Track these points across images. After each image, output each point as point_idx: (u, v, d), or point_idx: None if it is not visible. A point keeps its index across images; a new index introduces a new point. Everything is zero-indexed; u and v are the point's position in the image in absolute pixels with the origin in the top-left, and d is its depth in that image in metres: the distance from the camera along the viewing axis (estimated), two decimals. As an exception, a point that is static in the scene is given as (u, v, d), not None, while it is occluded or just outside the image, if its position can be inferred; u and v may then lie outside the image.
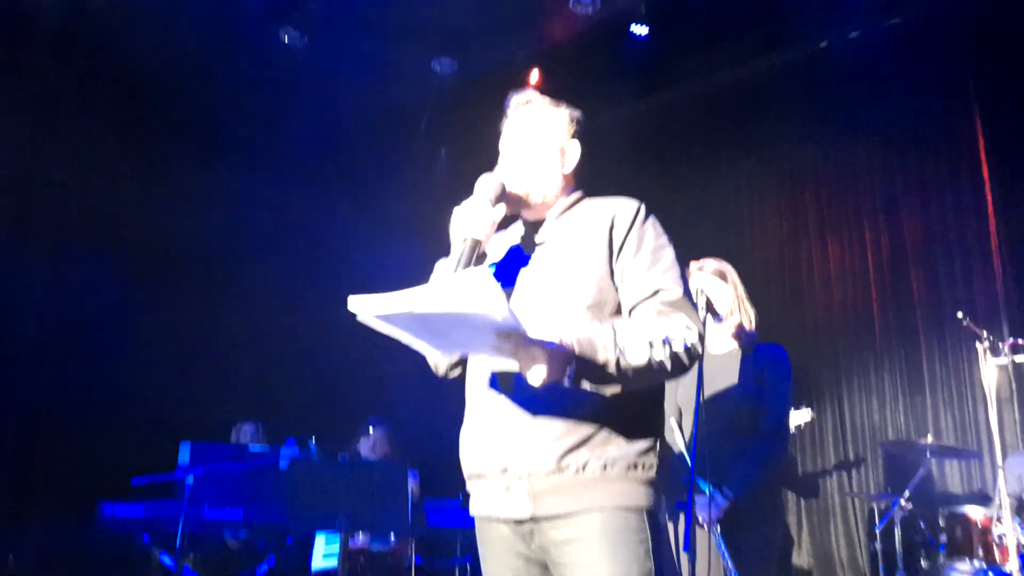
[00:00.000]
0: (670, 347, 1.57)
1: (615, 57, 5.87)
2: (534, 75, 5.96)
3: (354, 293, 1.45)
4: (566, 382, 1.51)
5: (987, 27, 5.01)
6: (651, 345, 1.55)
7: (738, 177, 6.05)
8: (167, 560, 3.83)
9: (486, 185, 1.74)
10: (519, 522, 1.64)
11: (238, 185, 5.33)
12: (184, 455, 3.90)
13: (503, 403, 1.66)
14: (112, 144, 4.96)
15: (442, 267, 1.82)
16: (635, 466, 1.61)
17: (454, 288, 1.36)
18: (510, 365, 1.55)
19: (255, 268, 5.42)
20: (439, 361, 1.88)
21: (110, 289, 4.55)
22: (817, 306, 5.48)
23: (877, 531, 4.02)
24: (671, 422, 2.98)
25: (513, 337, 1.44)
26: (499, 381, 1.69)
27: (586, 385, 1.55)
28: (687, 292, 1.69)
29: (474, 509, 1.75)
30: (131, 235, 4.91)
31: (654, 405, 1.73)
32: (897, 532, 3.89)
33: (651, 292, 1.66)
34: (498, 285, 1.38)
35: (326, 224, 5.79)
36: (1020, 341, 3.80)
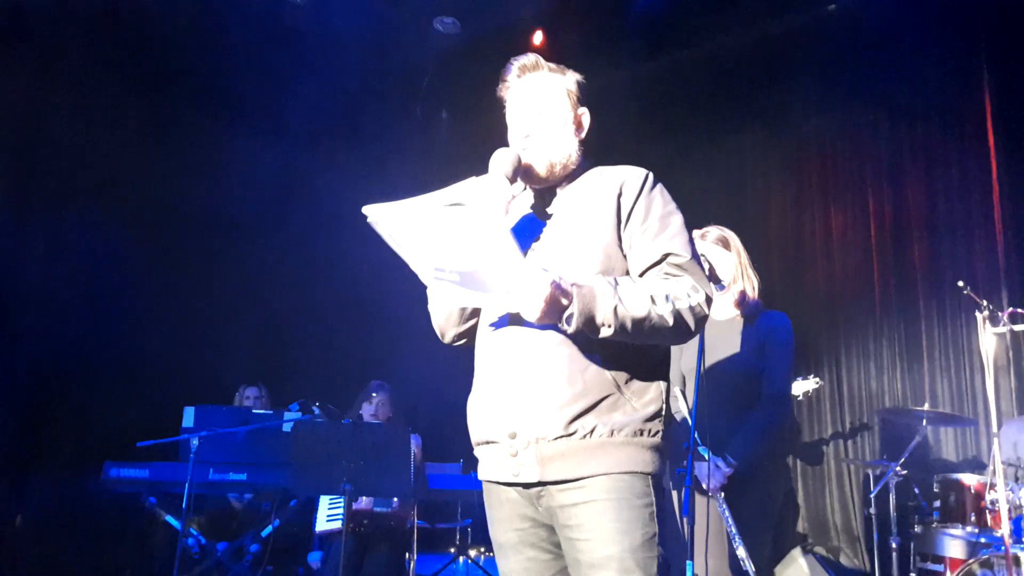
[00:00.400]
0: (673, 304, 1.59)
1: (622, 17, 5.76)
2: (538, 36, 5.86)
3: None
4: (564, 325, 1.55)
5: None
6: (652, 299, 1.58)
7: (742, 142, 5.99)
8: (173, 521, 3.89)
9: (502, 160, 1.71)
10: (527, 486, 1.67)
11: (240, 146, 5.29)
12: (188, 419, 3.93)
13: (511, 370, 1.68)
14: (115, 101, 4.89)
15: None
16: (641, 432, 1.64)
17: (458, 188, 1.49)
18: (511, 305, 1.57)
19: (258, 230, 5.40)
20: (445, 327, 1.90)
21: (114, 251, 4.54)
22: (818, 273, 5.48)
23: (872, 496, 4.08)
24: (675, 390, 3.01)
25: (511, 254, 1.47)
26: (509, 322, 1.70)
27: (586, 331, 1.56)
28: (695, 256, 1.70)
29: (482, 474, 1.78)
30: (135, 196, 4.86)
31: (661, 372, 1.75)
32: (891, 497, 3.95)
33: (659, 257, 1.67)
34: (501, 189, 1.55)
35: (328, 185, 5.75)
36: (1020, 310, 3.82)
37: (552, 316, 1.53)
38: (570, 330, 1.55)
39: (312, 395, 3.89)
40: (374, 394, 3.98)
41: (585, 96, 1.88)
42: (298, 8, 5.44)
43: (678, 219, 1.74)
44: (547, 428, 1.61)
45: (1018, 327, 3.92)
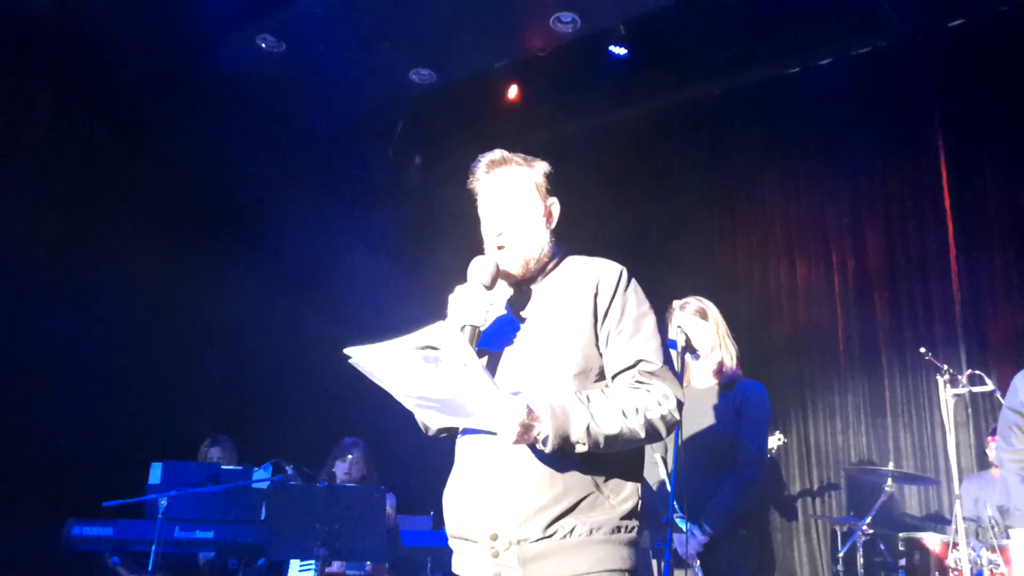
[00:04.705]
0: (644, 416, 1.67)
1: (593, 72, 5.92)
2: (512, 89, 5.98)
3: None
4: (541, 446, 1.61)
5: (953, 60, 5.17)
6: (624, 413, 1.66)
7: (710, 194, 6.11)
8: (138, 583, 3.76)
9: (480, 269, 1.78)
10: None
11: (209, 187, 5.26)
12: (155, 475, 3.83)
13: (491, 471, 1.71)
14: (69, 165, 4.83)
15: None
16: (618, 529, 1.70)
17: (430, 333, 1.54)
18: (487, 426, 1.66)
19: (228, 285, 5.32)
20: (429, 423, 1.92)
21: (81, 306, 4.44)
22: (785, 326, 5.53)
23: (840, 555, 4.15)
24: (656, 456, 3.06)
25: (486, 388, 1.54)
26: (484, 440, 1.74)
27: (561, 450, 1.62)
28: (668, 361, 1.79)
29: (458, 568, 1.80)
30: (93, 247, 4.78)
31: (636, 469, 1.81)
32: (859, 556, 4.02)
33: (632, 362, 1.75)
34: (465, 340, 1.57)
35: (299, 228, 5.72)
36: (978, 373, 3.96)
37: (528, 438, 1.60)
38: (547, 450, 1.61)
39: (285, 451, 3.82)
40: (349, 454, 3.93)
41: (554, 185, 1.91)
42: (274, 55, 5.47)
43: (651, 321, 1.80)
44: (528, 530, 1.65)
45: (977, 388, 4.07)
